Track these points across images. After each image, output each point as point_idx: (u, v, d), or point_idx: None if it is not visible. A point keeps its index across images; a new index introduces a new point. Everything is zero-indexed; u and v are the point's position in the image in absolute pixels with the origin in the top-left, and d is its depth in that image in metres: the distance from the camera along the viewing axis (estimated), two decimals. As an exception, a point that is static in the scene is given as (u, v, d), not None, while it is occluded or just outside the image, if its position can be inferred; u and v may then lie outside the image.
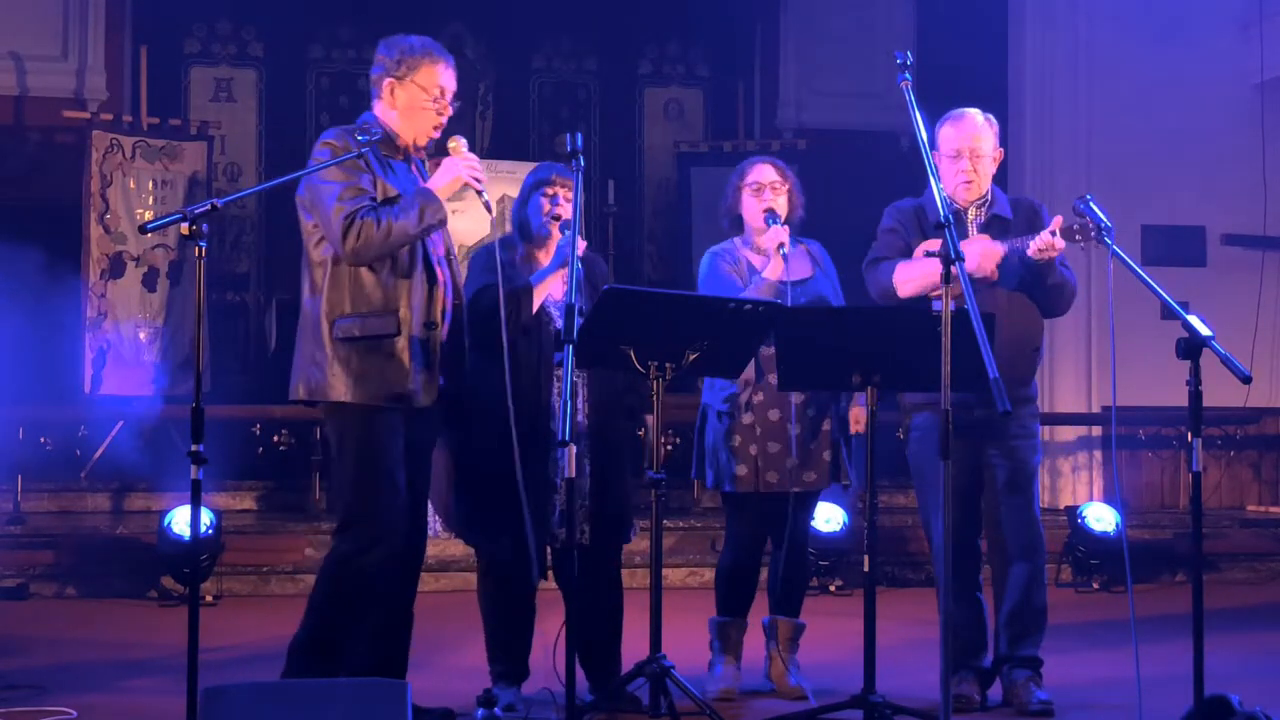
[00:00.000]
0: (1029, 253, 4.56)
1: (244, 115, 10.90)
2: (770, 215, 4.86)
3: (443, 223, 4.15)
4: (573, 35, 11.52)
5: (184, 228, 3.68)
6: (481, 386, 4.40)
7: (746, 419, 4.87)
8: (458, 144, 4.23)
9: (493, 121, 11.32)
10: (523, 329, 4.53)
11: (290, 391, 4.21)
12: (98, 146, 9.03)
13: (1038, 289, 4.68)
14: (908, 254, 4.69)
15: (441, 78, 4.24)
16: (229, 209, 3.64)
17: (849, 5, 10.87)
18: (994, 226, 4.73)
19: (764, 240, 4.87)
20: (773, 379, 4.77)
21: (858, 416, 4.93)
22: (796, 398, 4.84)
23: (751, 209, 4.93)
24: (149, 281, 9.12)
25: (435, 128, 4.26)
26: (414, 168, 4.28)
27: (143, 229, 3.83)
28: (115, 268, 9.02)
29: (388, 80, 4.23)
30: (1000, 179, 4.91)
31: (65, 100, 9.63)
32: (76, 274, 8.88)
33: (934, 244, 4.47)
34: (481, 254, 4.65)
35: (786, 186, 4.95)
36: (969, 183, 4.73)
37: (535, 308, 4.56)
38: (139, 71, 9.69)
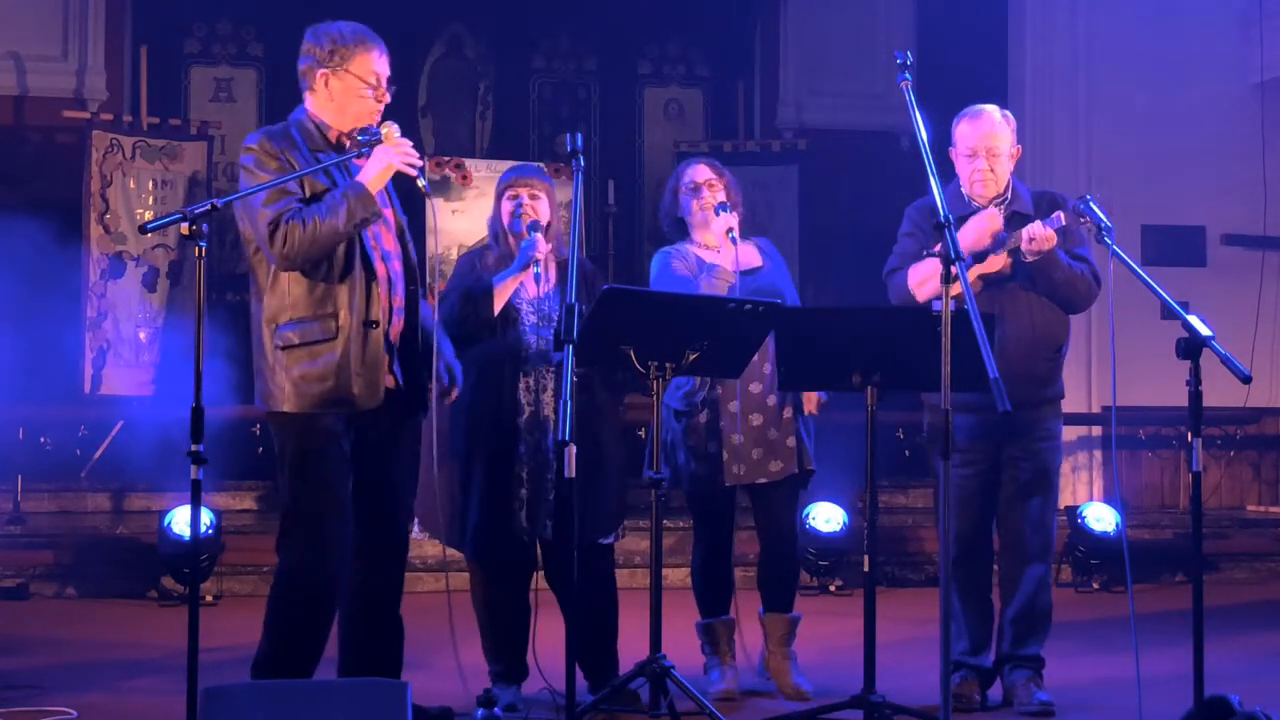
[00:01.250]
0: (1022, 248, 4.55)
1: (244, 115, 10.89)
2: (720, 205, 4.87)
3: (377, 216, 4.01)
4: (573, 35, 11.52)
5: (184, 228, 3.66)
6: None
7: (703, 416, 4.86)
8: (389, 129, 4.06)
9: (493, 121, 11.32)
10: (489, 327, 4.55)
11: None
12: (98, 146, 9.04)
13: (1047, 286, 4.66)
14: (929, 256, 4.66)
15: (376, 64, 4.10)
16: (229, 209, 3.64)
17: (849, 5, 10.87)
18: (1014, 223, 4.71)
19: (715, 225, 4.87)
20: None
21: (810, 395, 4.94)
22: (754, 387, 4.83)
23: (690, 208, 4.94)
24: (149, 281, 9.13)
25: (373, 115, 4.11)
26: (359, 161, 4.11)
27: (143, 229, 3.81)
28: (115, 268, 9.03)
29: (320, 71, 4.10)
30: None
31: (65, 100, 9.63)
32: (76, 274, 8.88)
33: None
34: (460, 262, 4.69)
35: (723, 183, 4.96)
36: (983, 182, 4.72)
37: (498, 308, 4.57)
38: (139, 71, 9.69)
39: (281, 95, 10.97)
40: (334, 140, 4.13)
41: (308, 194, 3.99)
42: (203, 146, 9.46)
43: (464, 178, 9.71)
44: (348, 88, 4.09)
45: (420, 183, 4.06)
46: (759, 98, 11.10)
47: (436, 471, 4.24)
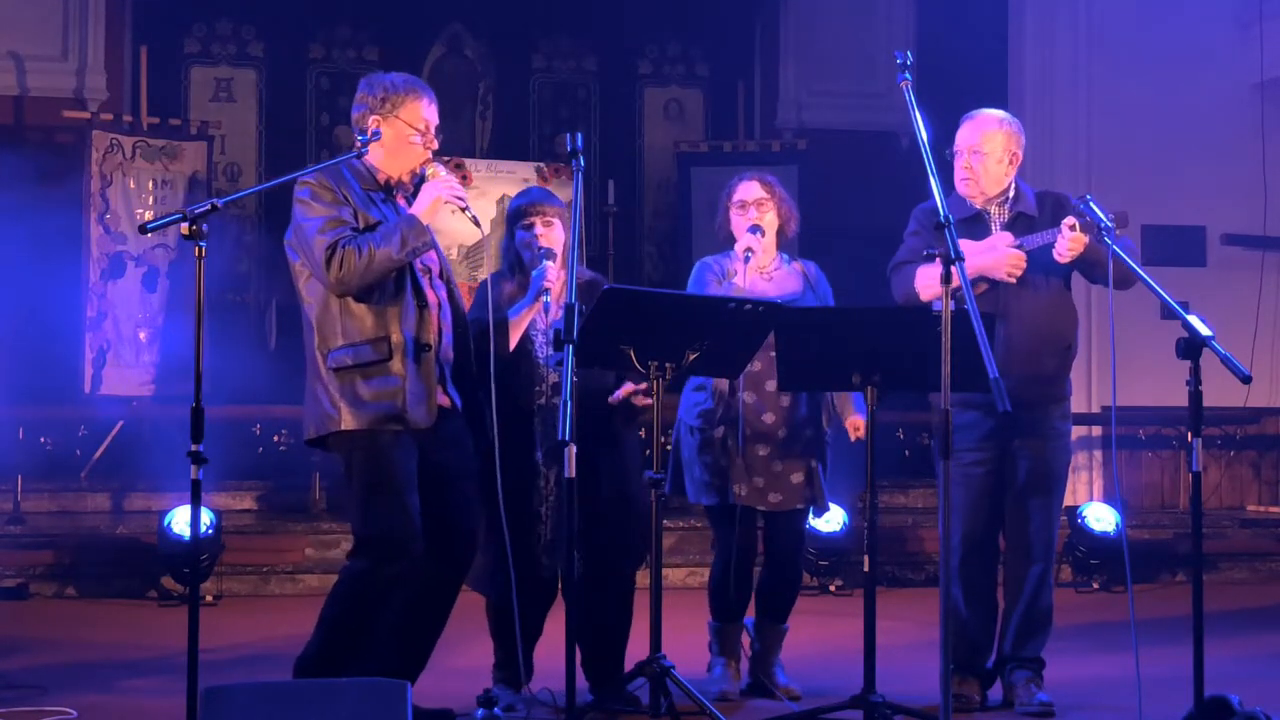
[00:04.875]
0: (1061, 260, 4.54)
1: (244, 115, 10.90)
2: (753, 227, 4.86)
3: (428, 246, 4.14)
4: (573, 35, 11.52)
5: (184, 228, 3.68)
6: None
7: (718, 432, 4.84)
8: (435, 169, 4.24)
9: (493, 121, 11.32)
10: (501, 362, 4.49)
11: (304, 433, 4.23)
12: (98, 146, 9.03)
13: (1097, 272, 4.60)
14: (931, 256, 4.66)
15: (426, 111, 4.25)
16: (229, 209, 3.65)
17: (849, 5, 10.87)
18: (1019, 224, 4.71)
19: (739, 244, 4.86)
20: (748, 397, 4.76)
21: (857, 424, 4.91)
22: (769, 417, 4.80)
23: (737, 226, 4.92)
24: (149, 281, 9.13)
25: (420, 160, 4.26)
26: (400, 199, 4.27)
27: (143, 229, 3.83)
28: (115, 268, 9.02)
29: (373, 118, 4.23)
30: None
31: (65, 100, 9.63)
32: (76, 274, 8.88)
33: (963, 244, 4.44)
34: (477, 293, 4.67)
35: (772, 202, 4.92)
36: (965, 180, 4.73)
37: (514, 342, 4.54)
38: (139, 71, 9.68)
39: (281, 95, 10.99)
40: (383, 183, 4.25)
41: (361, 226, 4.09)
42: (203, 146, 9.46)
43: (464, 178, 9.71)
44: (398, 134, 4.22)
45: (468, 215, 4.21)
46: (759, 98, 11.09)
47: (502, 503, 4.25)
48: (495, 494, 4.22)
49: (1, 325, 8.57)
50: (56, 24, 9.77)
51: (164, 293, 9.15)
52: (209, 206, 3.73)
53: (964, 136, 4.73)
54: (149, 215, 8.86)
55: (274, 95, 11.00)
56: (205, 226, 3.71)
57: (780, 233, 4.95)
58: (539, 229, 4.65)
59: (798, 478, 4.84)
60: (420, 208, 4.15)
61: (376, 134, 4.19)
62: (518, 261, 4.70)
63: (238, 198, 8.84)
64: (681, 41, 11.60)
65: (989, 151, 4.71)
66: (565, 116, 11.38)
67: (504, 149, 10.84)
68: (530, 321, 4.58)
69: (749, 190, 4.93)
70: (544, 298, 4.50)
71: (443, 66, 11.08)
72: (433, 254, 4.28)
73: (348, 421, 4.07)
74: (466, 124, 11.17)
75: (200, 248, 3.70)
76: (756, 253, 4.81)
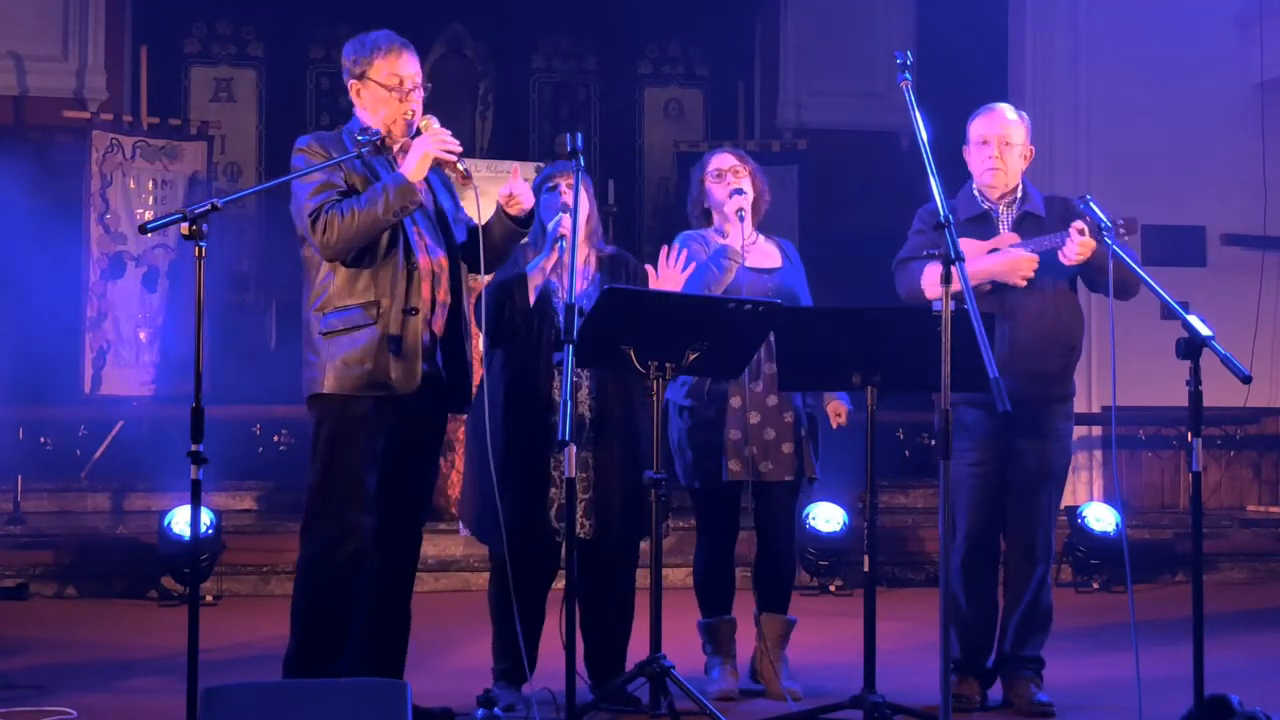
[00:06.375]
0: (1069, 263, 4.54)
1: (244, 115, 10.91)
2: (735, 190, 4.88)
3: (417, 204, 4.11)
4: (573, 35, 11.53)
5: (184, 228, 3.69)
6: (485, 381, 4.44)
7: (709, 412, 4.85)
8: (428, 122, 4.20)
9: (493, 121, 11.32)
10: (524, 316, 4.54)
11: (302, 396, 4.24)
12: (98, 146, 9.04)
13: (1102, 280, 4.59)
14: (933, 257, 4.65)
15: (398, 66, 4.23)
16: (229, 208, 3.68)
17: (849, 5, 10.88)
18: (1026, 224, 4.71)
19: (727, 206, 4.87)
20: None
21: (837, 410, 4.93)
22: (756, 386, 4.82)
23: (718, 193, 4.93)
24: (149, 281, 9.13)
25: (407, 116, 4.22)
26: (400, 158, 4.23)
27: (143, 229, 3.83)
28: (115, 268, 9.03)
29: (352, 82, 4.28)
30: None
31: (65, 100, 9.64)
32: (76, 274, 8.88)
33: (968, 244, 4.45)
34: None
35: (747, 170, 4.96)
36: (995, 170, 4.72)
37: (533, 295, 4.56)
38: (139, 71, 9.69)
39: (281, 95, 10.99)
40: (381, 145, 4.23)
41: (348, 188, 4.10)
42: (203, 146, 9.46)
43: (464, 177, 9.72)
44: (374, 94, 4.24)
45: (460, 168, 4.22)
46: (759, 98, 11.10)
47: (494, 470, 4.28)
48: (505, 454, 4.25)
49: (1, 325, 8.57)
50: (56, 24, 9.78)
51: (164, 293, 9.15)
52: (209, 206, 3.74)
53: (990, 127, 4.73)
54: (149, 215, 8.86)
55: (274, 95, 11.00)
56: (205, 226, 3.71)
57: (755, 207, 4.96)
58: (563, 187, 4.66)
59: (788, 448, 4.85)
60: (409, 166, 4.11)
61: (376, 134, 4.18)
62: (541, 229, 4.71)
63: (238, 198, 8.82)
64: (681, 41, 11.60)
65: (1017, 143, 4.74)
66: (565, 116, 11.38)
67: (504, 149, 10.83)
68: (553, 286, 4.60)
69: (724, 160, 4.97)
70: (560, 244, 4.51)
71: (443, 66, 11.08)
72: (429, 219, 4.24)
73: (329, 384, 4.08)
74: (466, 124, 11.17)
75: (200, 248, 3.70)
76: (748, 210, 4.84)
